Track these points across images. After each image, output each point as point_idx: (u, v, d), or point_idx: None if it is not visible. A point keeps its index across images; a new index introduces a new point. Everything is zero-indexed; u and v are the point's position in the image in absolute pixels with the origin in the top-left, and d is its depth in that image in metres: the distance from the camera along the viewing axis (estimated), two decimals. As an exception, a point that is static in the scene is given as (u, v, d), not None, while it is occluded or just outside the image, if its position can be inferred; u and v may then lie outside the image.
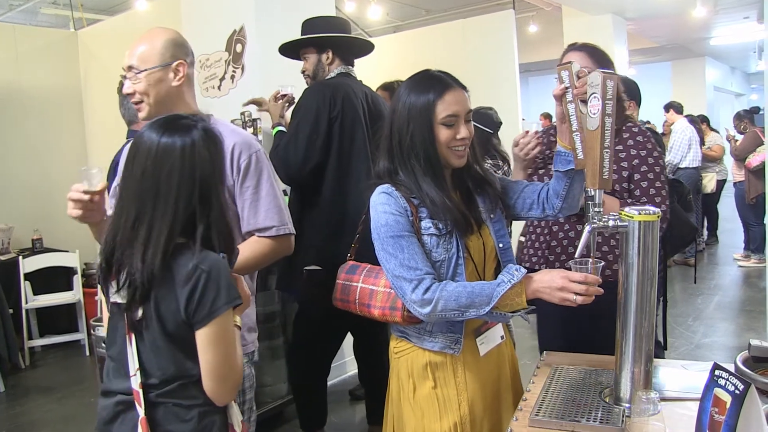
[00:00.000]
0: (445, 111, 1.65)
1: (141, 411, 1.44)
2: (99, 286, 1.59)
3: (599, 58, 2.19)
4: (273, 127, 3.02)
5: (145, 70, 1.89)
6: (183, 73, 1.93)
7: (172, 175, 1.45)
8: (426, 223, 1.68)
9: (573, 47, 2.24)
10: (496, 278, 1.67)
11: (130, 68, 1.90)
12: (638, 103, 3.19)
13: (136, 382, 1.46)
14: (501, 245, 1.80)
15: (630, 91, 3.11)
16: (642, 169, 2.14)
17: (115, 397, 1.51)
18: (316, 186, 2.77)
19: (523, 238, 2.43)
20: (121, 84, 2.75)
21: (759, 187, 6.60)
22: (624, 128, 2.21)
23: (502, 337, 1.85)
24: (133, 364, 1.46)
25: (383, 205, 1.67)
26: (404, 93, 1.70)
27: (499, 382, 1.84)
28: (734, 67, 16.38)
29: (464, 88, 1.71)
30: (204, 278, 1.42)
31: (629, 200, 2.15)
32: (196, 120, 1.53)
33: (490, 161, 3.27)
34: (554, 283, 1.56)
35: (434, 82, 1.69)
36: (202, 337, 1.44)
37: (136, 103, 1.93)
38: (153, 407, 1.46)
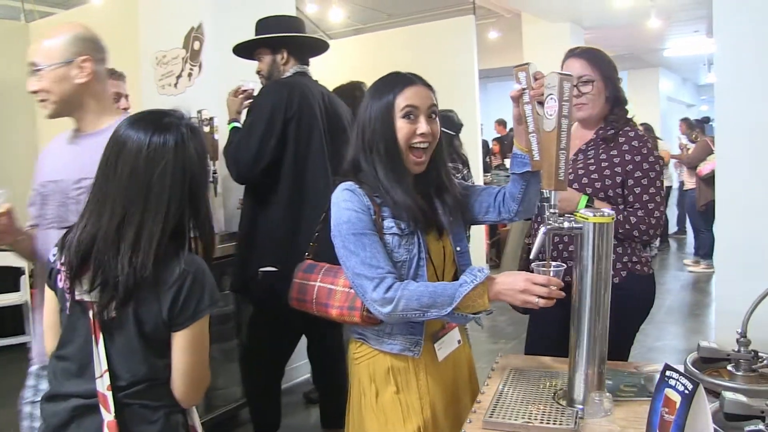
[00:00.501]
0: (403, 103, 1.65)
1: (109, 414, 1.40)
2: (50, 283, 1.53)
3: (599, 64, 2.17)
4: (228, 123, 2.97)
5: (48, 66, 1.82)
6: (89, 69, 1.86)
7: (165, 174, 1.42)
8: (388, 223, 1.66)
9: (573, 54, 2.22)
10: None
11: (32, 65, 1.84)
12: None
13: (103, 384, 1.41)
14: (458, 249, 1.79)
15: None
16: (636, 175, 2.11)
17: (68, 401, 1.45)
18: (272, 185, 2.74)
19: (528, 240, 2.41)
20: None
21: (709, 195, 6.77)
22: (621, 132, 2.18)
23: (459, 342, 1.85)
24: (100, 365, 1.41)
25: (346, 202, 1.65)
26: (370, 94, 1.72)
27: (457, 385, 1.84)
28: (686, 79, 16.80)
29: (430, 87, 1.72)
30: (190, 281, 1.41)
31: (622, 206, 2.14)
32: (178, 117, 1.49)
33: (450, 164, 3.27)
34: (517, 286, 1.55)
35: (398, 80, 1.70)
36: (182, 340, 1.44)
37: (41, 101, 1.87)
38: (119, 409, 1.42)
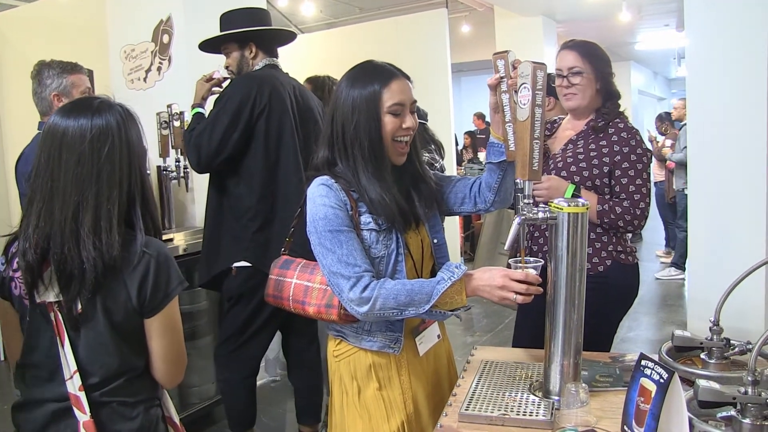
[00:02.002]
0: (391, 99, 1.61)
1: (84, 414, 1.37)
2: (3, 293, 1.50)
3: (590, 57, 2.22)
4: (192, 107, 2.91)
5: None
6: None
7: (113, 154, 1.41)
8: (366, 218, 1.63)
9: (566, 45, 2.27)
10: (432, 275, 1.65)
11: None
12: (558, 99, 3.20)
13: (74, 385, 1.38)
14: (435, 241, 1.77)
15: (550, 89, 3.13)
16: (623, 166, 2.15)
17: (43, 407, 1.42)
18: (242, 179, 2.70)
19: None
20: (36, 70, 2.61)
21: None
22: (611, 124, 2.22)
23: (438, 336, 1.83)
24: (69, 366, 1.38)
25: (322, 198, 1.61)
26: (347, 83, 1.66)
27: (438, 378, 1.83)
28: (657, 72, 17.02)
29: (408, 78, 1.68)
30: (154, 263, 1.41)
31: (608, 196, 2.17)
32: (108, 101, 1.47)
33: (427, 155, 3.25)
34: (494, 282, 1.54)
35: (379, 72, 1.65)
36: (157, 324, 1.44)
37: None
38: (96, 409, 1.39)
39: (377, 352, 1.69)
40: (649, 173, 2.22)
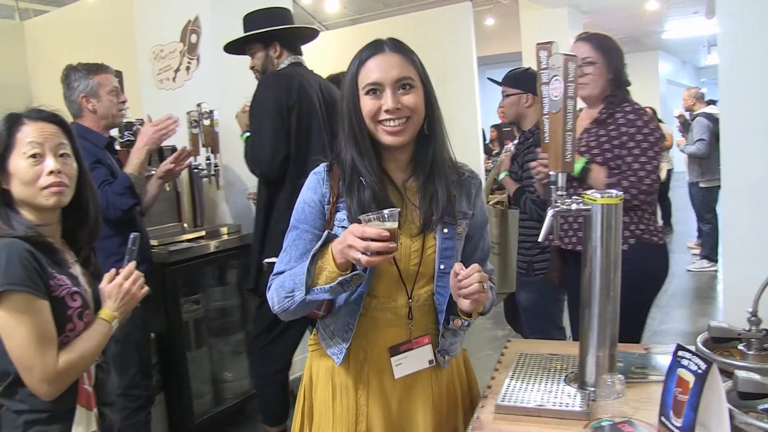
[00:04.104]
0: (365, 79, 1.46)
1: None
2: None
3: (603, 49, 2.34)
4: (242, 135, 3.02)
5: None
6: None
7: None
8: (342, 215, 1.50)
9: (580, 38, 2.41)
10: (437, 303, 1.53)
11: None
12: None
13: None
14: (442, 267, 1.52)
15: (528, 85, 3.05)
16: (629, 145, 2.24)
17: None
18: (280, 178, 2.74)
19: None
20: (64, 74, 2.66)
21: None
22: (618, 110, 2.31)
23: (430, 362, 1.55)
24: None
25: (304, 188, 1.55)
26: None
27: (410, 410, 1.57)
28: (685, 61, 16.77)
29: (404, 52, 1.49)
30: None
31: (615, 172, 2.25)
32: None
33: None
34: (344, 241, 1.33)
35: (365, 48, 1.51)
36: None
37: None
38: None
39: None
40: (657, 152, 2.26)
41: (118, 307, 1.58)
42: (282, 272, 1.49)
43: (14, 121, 1.52)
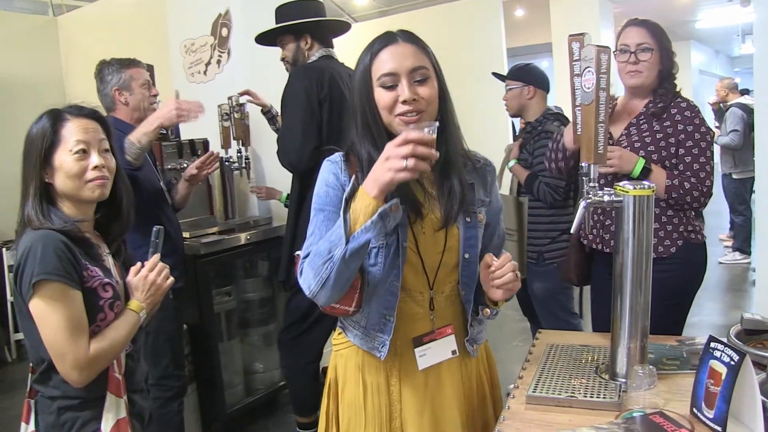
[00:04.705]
0: (379, 70, 1.42)
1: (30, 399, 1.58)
2: None
3: (658, 35, 2.19)
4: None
5: None
6: None
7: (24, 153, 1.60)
8: None
9: (633, 22, 2.23)
10: (459, 293, 1.54)
11: None
12: (543, 89, 3.18)
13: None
14: (467, 256, 1.52)
15: (530, 77, 3.14)
16: (687, 144, 2.13)
17: None
18: (311, 171, 2.76)
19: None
20: (98, 69, 2.71)
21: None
22: (672, 104, 2.19)
23: (454, 352, 1.53)
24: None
25: (322, 173, 1.51)
26: (359, 56, 1.51)
27: (443, 404, 1.56)
28: (718, 51, 16.44)
29: (417, 43, 1.46)
30: (23, 251, 1.50)
31: (675, 172, 2.14)
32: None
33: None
34: (380, 160, 1.30)
35: (377, 40, 1.47)
36: (31, 311, 1.49)
37: None
38: (32, 395, 1.59)
39: (367, 353, 1.54)
40: (713, 151, 2.19)
41: (145, 298, 1.64)
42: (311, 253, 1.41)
43: (57, 117, 1.58)
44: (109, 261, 1.67)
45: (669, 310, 2.06)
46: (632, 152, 2.13)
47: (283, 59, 2.96)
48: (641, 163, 2.08)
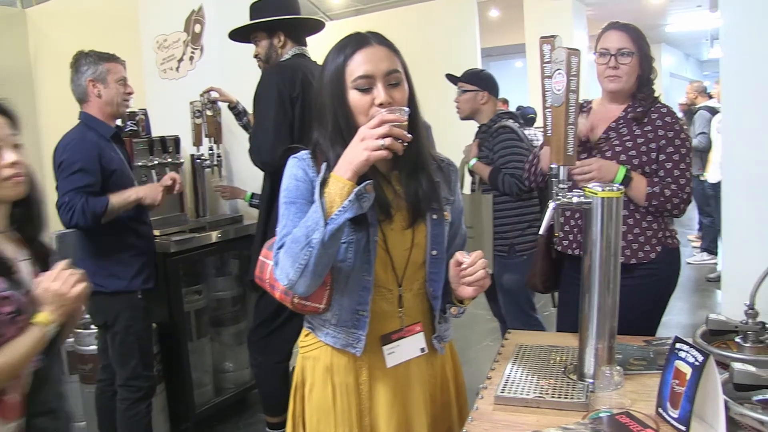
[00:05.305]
0: (354, 73, 1.41)
1: None
2: None
3: (639, 40, 2.17)
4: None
5: None
6: None
7: None
8: None
9: (614, 26, 2.21)
10: (426, 290, 1.55)
11: None
12: (495, 95, 3.26)
13: None
14: (434, 252, 1.54)
15: (485, 83, 3.21)
16: (668, 150, 2.13)
17: None
18: (282, 169, 2.74)
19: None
20: (74, 59, 2.66)
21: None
22: (653, 109, 2.18)
23: (422, 350, 1.55)
24: None
25: (288, 169, 1.50)
26: (327, 56, 1.50)
27: (411, 401, 1.57)
28: (689, 54, 16.72)
29: (390, 47, 1.47)
30: None
31: (657, 179, 2.14)
32: None
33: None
34: (355, 141, 1.33)
35: (349, 41, 1.45)
36: None
37: None
38: None
39: (339, 352, 1.53)
40: (691, 158, 2.20)
41: (54, 309, 1.47)
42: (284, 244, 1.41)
43: None
44: (24, 267, 1.54)
45: (649, 314, 2.10)
46: (613, 157, 2.13)
47: (256, 56, 2.93)
48: (623, 171, 2.07)
